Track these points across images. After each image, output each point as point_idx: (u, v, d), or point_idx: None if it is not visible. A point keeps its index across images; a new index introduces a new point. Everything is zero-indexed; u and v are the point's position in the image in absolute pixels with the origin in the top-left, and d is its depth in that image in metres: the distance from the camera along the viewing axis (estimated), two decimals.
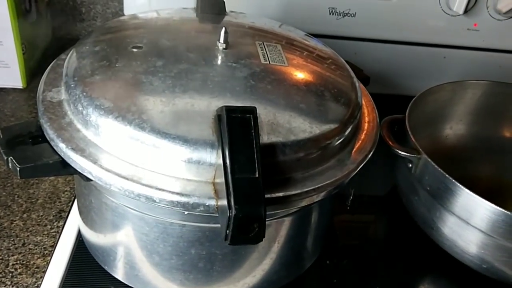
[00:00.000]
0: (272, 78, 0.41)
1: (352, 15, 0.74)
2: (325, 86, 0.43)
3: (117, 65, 0.40)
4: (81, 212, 0.46)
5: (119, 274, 0.44)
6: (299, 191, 0.36)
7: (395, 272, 0.52)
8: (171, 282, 0.42)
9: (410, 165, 0.51)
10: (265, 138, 0.36)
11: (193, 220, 0.37)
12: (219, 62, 0.42)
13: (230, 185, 0.31)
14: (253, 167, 0.32)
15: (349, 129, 0.41)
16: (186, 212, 0.35)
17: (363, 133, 0.44)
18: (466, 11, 0.72)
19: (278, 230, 0.41)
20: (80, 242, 0.48)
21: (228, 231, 0.31)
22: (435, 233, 0.50)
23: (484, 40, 0.77)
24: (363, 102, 0.46)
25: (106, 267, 0.45)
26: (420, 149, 0.49)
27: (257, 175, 0.32)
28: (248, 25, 0.50)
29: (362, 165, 0.41)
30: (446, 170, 0.59)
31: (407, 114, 0.54)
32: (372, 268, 0.52)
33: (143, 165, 0.35)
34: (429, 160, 0.48)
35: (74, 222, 0.51)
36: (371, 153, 0.42)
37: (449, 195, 0.47)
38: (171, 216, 0.38)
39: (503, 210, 0.44)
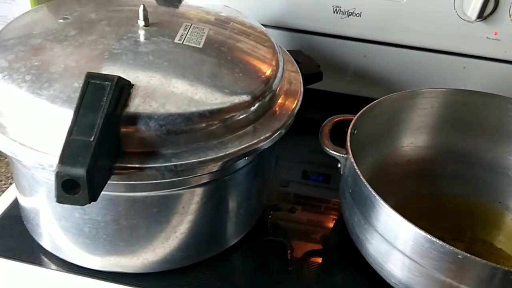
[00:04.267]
0: (174, 56, 0.41)
1: (358, 14, 0.71)
2: (237, 65, 0.43)
3: (34, 32, 0.43)
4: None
5: (43, 241, 0.47)
6: (164, 164, 0.36)
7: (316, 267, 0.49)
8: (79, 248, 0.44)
9: (339, 165, 0.48)
10: (132, 109, 0.36)
11: None
12: (129, 37, 0.43)
13: (63, 145, 0.32)
14: (90, 131, 0.33)
15: (254, 106, 0.41)
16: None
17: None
18: (482, 17, 0.66)
19: (187, 201, 0.41)
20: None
21: (55, 188, 0.32)
22: (359, 245, 0.47)
23: (506, 51, 0.70)
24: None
25: (33, 235, 0.48)
26: (349, 149, 0.46)
27: (91, 139, 0.32)
28: (193, 10, 0.51)
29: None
30: (408, 185, 0.56)
31: (356, 116, 0.50)
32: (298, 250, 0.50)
33: (23, 124, 0.37)
34: (352, 161, 0.45)
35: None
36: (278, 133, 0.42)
37: (369, 208, 0.43)
38: None
39: (428, 235, 0.38)
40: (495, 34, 0.69)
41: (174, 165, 0.36)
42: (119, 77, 0.35)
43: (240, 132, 0.41)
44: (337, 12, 0.71)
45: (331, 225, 0.54)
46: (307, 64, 0.54)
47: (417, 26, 0.70)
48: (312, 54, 0.65)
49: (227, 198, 0.45)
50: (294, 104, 0.46)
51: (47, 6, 0.48)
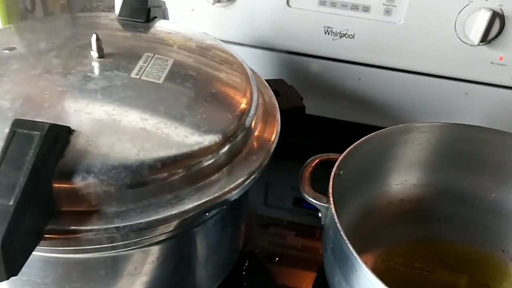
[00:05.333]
0: (128, 95, 0.36)
1: (351, 36, 0.66)
2: (202, 104, 0.38)
3: None
4: None
5: None
6: (104, 226, 0.31)
7: None
8: None
9: (320, 215, 0.42)
10: (68, 161, 0.31)
11: None
12: (77, 71, 0.38)
13: None
14: (10, 193, 0.27)
15: (218, 152, 0.36)
16: None
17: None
18: (486, 41, 0.61)
19: (140, 262, 0.36)
20: None
21: None
22: None
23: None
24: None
25: None
26: (331, 199, 0.41)
27: (10, 203, 0.27)
28: (160, 37, 0.46)
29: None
30: (402, 229, 0.51)
31: (342, 156, 0.45)
32: None
33: None
34: (333, 212, 0.39)
35: None
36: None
37: (350, 269, 0.37)
38: None
39: None
40: (500, 59, 0.63)
41: (116, 227, 0.31)
42: (52, 125, 0.30)
43: (202, 182, 0.35)
44: (328, 33, 0.66)
45: (312, 279, 0.49)
46: (289, 96, 0.48)
47: (414, 49, 0.64)
48: (304, 77, 0.60)
49: (189, 255, 0.39)
50: (269, 145, 0.41)
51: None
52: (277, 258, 0.49)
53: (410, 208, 0.54)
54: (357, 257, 0.36)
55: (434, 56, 0.64)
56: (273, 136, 0.41)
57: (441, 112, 0.69)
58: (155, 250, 0.36)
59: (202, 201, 0.34)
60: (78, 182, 0.31)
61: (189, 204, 0.33)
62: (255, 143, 0.40)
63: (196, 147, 0.35)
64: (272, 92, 0.46)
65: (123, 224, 0.31)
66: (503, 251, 0.51)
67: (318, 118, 0.70)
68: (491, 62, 0.63)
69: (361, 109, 0.70)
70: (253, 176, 0.37)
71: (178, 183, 0.34)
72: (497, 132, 0.51)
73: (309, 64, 0.68)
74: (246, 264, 0.48)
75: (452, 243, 0.51)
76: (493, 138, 0.52)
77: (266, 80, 0.49)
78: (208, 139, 0.35)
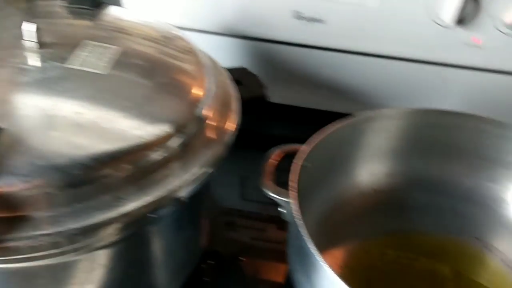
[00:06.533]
0: (63, 87, 0.33)
1: (321, 21, 0.63)
2: (146, 96, 0.35)
3: None
4: None
5: None
6: (30, 233, 0.28)
7: None
8: None
9: (283, 211, 0.40)
10: None
11: None
12: (8, 63, 0.34)
13: None
14: None
15: (166, 145, 0.33)
16: None
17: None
18: (461, 22, 0.58)
19: (83, 269, 0.33)
20: None
21: None
22: None
23: (489, 60, 0.62)
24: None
25: None
26: (292, 192, 0.38)
27: None
28: (105, 23, 0.42)
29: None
30: (375, 221, 0.48)
31: (306, 147, 0.42)
32: None
33: None
34: (293, 207, 0.37)
35: None
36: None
37: (312, 271, 0.35)
38: None
39: None
40: (476, 40, 0.61)
41: (47, 234, 0.28)
42: None
43: (147, 180, 0.32)
44: (297, 18, 0.63)
45: (284, 271, 0.46)
46: (251, 85, 0.46)
47: (389, 33, 0.62)
48: (273, 65, 0.57)
49: (142, 259, 0.36)
50: (225, 137, 0.38)
51: None
52: (245, 254, 0.47)
53: (383, 199, 0.51)
54: (319, 259, 0.33)
55: (409, 40, 0.62)
56: (231, 127, 0.38)
57: (418, 98, 0.66)
58: (101, 256, 0.33)
59: (147, 201, 0.31)
60: (3, 185, 0.28)
61: (131, 206, 0.31)
62: (210, 135, 0.37)
63: (139, 141, 0.32)
64: (232, 82, 0.43)
65: (54, 231, 0.28)
66: (478, 238, 0.48)
67: (291, 107, 0.67)
68: (467, 44, 0.61)
69: (334, 97, 0.68)
70: (206, 171, 0.35)
71: (119, 182, 0.31)
72: (472, 116, 0.49)
73: (277, 51, 0.65)
74: (210, 264, 0.45)
75: (427, 232, 0.49)
76: (468, 123, 0.50)
77: (227, 69, 0.46)
78: (154, 132, 0.32)
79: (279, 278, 0.44)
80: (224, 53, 0.57)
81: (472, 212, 0.50)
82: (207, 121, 0.37)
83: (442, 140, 0.50)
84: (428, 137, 0.50)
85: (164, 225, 0.36)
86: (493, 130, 0.49)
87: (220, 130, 0.38)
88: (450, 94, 0.66)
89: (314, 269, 0.34)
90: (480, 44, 0.61)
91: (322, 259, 0.33)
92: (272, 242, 0.48)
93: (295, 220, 0.36)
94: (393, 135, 0.50)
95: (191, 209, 0.40)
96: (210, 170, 0.35)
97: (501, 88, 0.63)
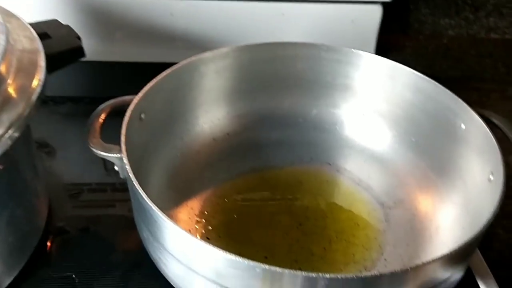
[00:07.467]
0: None
1: None
2: None
3: None
4: None
5: None
6: None
7: None
8: None
9: (116, 168, 0.36)
10: None
11: None
12: None
13: None
14: None
15: None
16: None
17: None
18: None
19: None
20: None
21: None
22: (158, 266, 0.36)
23: None
24: None
25: None
26: (123, 147, 0.34)
27: None
28: None
29: None
30: (228, 165, 0.46)
31: (138, 97, 0.39)
32: None
33: None
34: (125, 160, 0.33)
35: None
36: None
37: (153, 224, 0.32)
38: None
39: (229, 254, 0.28)
40: None
41: None
42: None
43: None
44: None
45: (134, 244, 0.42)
46: (62, 37, 0.40)
47: None
48: (104, 19, 0.51)
49: None
50: (29, 94, 0.33)
51: None
52: (93, 226, 0.43)
53: (236, 142, 0.50)
54: (156, 210, 0.31)
55: None
56: (34, 84, 0.33)
57: (259, 37, 0.65)
58: None
59: None
60: None
61: None
62: (10, 94, 0.32)
63: None
64: (35, 35, 0.37)
65: None
66: (330, 164, 0.49)
67: (128, 64, 0.62)
68: None
69: (177, 47, 0.64)
70: (8, 132, 0.30)
71: None
72: (304, 45, 0.49)
73: (106, 3, 0.59)
74: (52, 243, 0.41)
75: (281, 167, 0.49)
76: (306, 53, 0.50)
77: (33, 23, 0.40)
78: None
79: (131, 245, 0.41)
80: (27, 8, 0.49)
81: (321, 139, 0.51)
82: (3, 80, 0.31)
83: (283, 73, 0.50)
84: (269, 72, 0.49)
85: None
86: (330, 56, 0.49)
87: (23, 88, 0.32)
88: (291, 31, 0.65)
89: (155, 223, 0.31)
90: None
91: (161, 212, 0.30)
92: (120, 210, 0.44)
93: (129, 174, 0.33)
94: (234, 75, 0.48)
95: (12, 184, 0.35)
96: (15, 133, 0.30)
97: (335, 18, 0.64)
